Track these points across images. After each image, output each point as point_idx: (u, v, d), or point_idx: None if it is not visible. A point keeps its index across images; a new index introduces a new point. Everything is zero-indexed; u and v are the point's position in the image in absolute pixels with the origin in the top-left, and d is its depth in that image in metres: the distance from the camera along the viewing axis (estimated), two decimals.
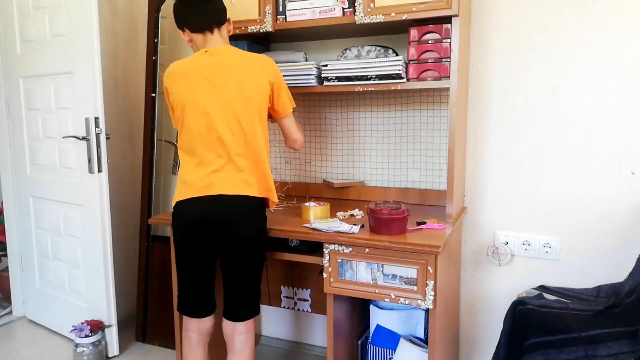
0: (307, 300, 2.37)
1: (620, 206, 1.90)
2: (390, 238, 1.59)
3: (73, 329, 2.30)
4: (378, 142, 2.24)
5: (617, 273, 1.84)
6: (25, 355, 2.47)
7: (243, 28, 2.02)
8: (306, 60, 2.05)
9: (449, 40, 1.77)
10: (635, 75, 1.84)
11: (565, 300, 1.81)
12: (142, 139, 2.62)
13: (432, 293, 1.57)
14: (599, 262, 1.93)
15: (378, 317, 1.95)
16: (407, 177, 2.19)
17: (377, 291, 1.64)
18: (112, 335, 2.40)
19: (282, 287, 2.42)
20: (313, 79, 1.98)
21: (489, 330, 2.11)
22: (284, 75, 1.85)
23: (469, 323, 2.16)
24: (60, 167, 2.51)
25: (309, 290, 2.36)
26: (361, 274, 1.66)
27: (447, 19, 1.75)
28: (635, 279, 1.71)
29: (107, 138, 2.34)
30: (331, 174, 2.37)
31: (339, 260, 1.68)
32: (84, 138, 2.30)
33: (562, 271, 1.98)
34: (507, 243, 2.05)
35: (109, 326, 2.39)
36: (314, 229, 1.70)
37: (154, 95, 2.51)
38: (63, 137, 2.39)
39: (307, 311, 2.38)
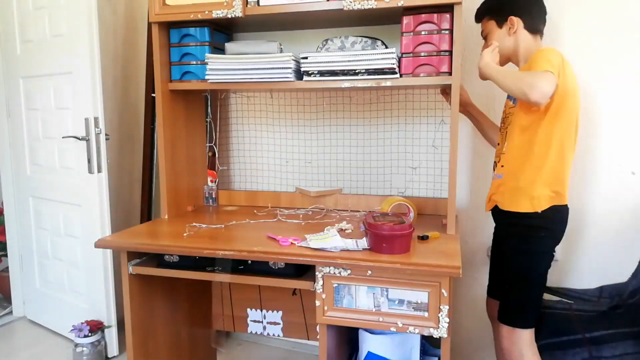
0: (279, 324, 2.17)
1: (621, 206, 1.89)
2: (392, 257, 1.40)
3: (73, 329, 2.30)
4: (358, 145, 2.13)
5: (617, 273, 1.83)
6: (25, 355, 2.47)
7: (207, 12, 1.79)
8: (281, 51, 1.82)
9: (447, 30, 1.60)
10: (635, 75, 1.83)
11: (569, 301, 1.80)
12: (142, 139, 2.62)
13: (447, 320, 1.37)
14: (599, 262, 1.93)
15: (369, 343, 1.70)
16: (391, 184, 2.12)
17: (380, 319, 1.43)
18: (111, 336, 2.40)
19: (248, 310, 2.21)
20: (290, 73, 1.75)
21: (489, 331, 2.10)
22: (254, 69, 1.75)
23: (469, 323, 2.15)
24: (60, 168, 2.50)
25: (280, 312, 2.16)
26: (361, 300, 1.44)
27: (446, 7, 1.59)
28: (638, 280, 1.71)
29: (107, 138, 2.34)
30: (305, 181, 2.23)
31: (335, 285, 1.45)
32: (83, 138, 2.29)
33: (562, 271, 1.98)
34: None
35: (109, 327, 2.39)
36: (318, 249, 1.47)
37: (153, 95, 2.49)
38: (63, 137, 2.38)
39: (279, 336, 2.20)
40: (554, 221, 1.56)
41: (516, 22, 1.58)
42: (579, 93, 1.52)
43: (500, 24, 1.62)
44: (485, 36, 1.69)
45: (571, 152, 1.54)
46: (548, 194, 1.52)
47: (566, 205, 1.56)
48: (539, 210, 1.52)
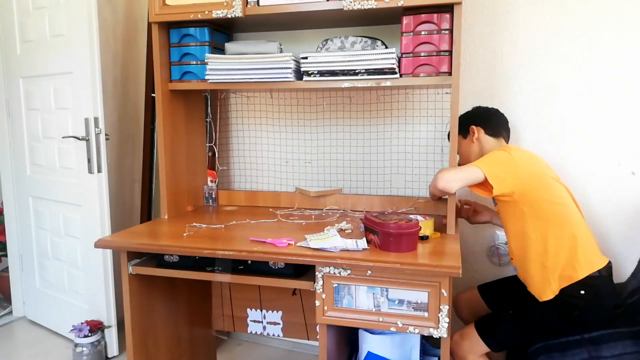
0: (279, 324, 2.17)
1: (620, 206, 1.90)
2: (400, 257, 1.40)
3: (72, 329, 2.30)
4: (358, 145, 2.13)
5: (617, 273, 1.83)
6: (25, 355, 2.47)
7: (207, 12, 1.78)
8: (281, 51, 1.81)
9: (447, 30, 1.60)
10: (635, 75, 1.84)
11: None
12: (142, 139, 2.62)
13: (447, 320, 1.37)
14: None
15: (369, 343, 1.68)
16: (391, 184, 2.12)
17: (380, 319, 1.43)
18: (111, 336, 2.40)
19: (248, 310, 2.21)
20: (290, 74, 1.75)
21: None
22: (254, 69, 1.76)
23: None
24: (60, 168, 2.50)
25: (280, 312, 2.16)
26: (361, 300, 1.44)
27: (446, 7, 1.59)
28: (638, 279, 1.71)
29: (107, 138, 2.34)
30: (305, 181, 2.23)
31: (335, 285, 1.45)
32: (83, 138, 2.29)
33: None
34: (507, 243, 2.04)
35: (109, 327, 2.39)
36: (318, 249, 1.47)
37: (153, 95, 2.49)
38: (63, 138, 2.38)
39: (279, 336, 2.21)
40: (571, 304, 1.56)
41: (476, 130, 1.78)
42: (543, 177, 1.60)
43: (464, 136, 1.81)
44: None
45: (569, 227, 1.57)
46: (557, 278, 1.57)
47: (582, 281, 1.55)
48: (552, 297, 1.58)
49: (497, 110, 1.84)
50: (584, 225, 1.61)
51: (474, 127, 1.78)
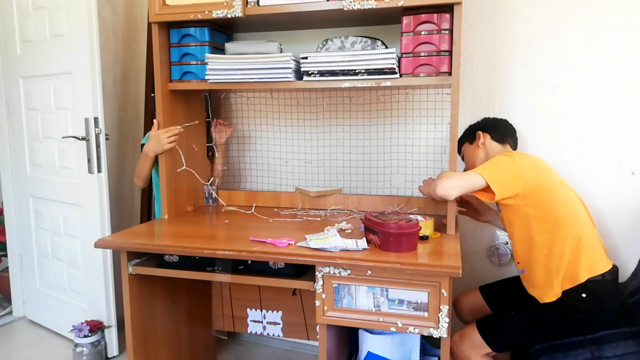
0: (279, 324, 2.17)
1: (621, 206, 1.90)
2: (400, 257, 1.40)
3: (72, 329, 2.30)
4: (358, 145, 2.14)
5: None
6: (25, 355, 2.47)
7: (207, 12, 1.78)
8: (281, 51, 1.82)
9: (447, 30, 1.60)
10: (635, 75, 1.84)
11: None
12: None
13: (447, 320, 1.37)
14: None
15: (369, 343, 1.69)
16: (391, 184, 2.12)
17: (380, 319, 1.43)
18: (111, 336, 2.40)
19: (248, 310, 2.21)
20: (290, 73, 1.75)
21: None
22: (254, 69, 1.77)
23: None
24: (59, 168, 2.50)
25: (280, 312, 2.16)
26: (361, 300, 1.44)
27: (446, 7, 1.59)
28: (638, 279, 1.71)
29: (107, 138, 2.34)
30: (305, 181, 2.24)
31: (335, 285, 1.45)
32: (83, 138, 2.29)
33: None
34: (507, 243, 2.04)
35: (109, 327, 2.39)
36: (318, 249, 1.47)
37: (154, 95, 2.50)
38: (63, 138, 2.38)
39: (279, 336, 2.21)
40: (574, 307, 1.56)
41: (482, 135, 1.80)
42: (547, 180, 1.60)
43: (471, 142, 1.84)
44: (463, 157, 1.89)
45: (574, 230, 1.57)
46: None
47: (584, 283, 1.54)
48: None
49: (505, 120, 1.87)
50: (590, 228, 1.61)
51: (480, 132, 1.80)
